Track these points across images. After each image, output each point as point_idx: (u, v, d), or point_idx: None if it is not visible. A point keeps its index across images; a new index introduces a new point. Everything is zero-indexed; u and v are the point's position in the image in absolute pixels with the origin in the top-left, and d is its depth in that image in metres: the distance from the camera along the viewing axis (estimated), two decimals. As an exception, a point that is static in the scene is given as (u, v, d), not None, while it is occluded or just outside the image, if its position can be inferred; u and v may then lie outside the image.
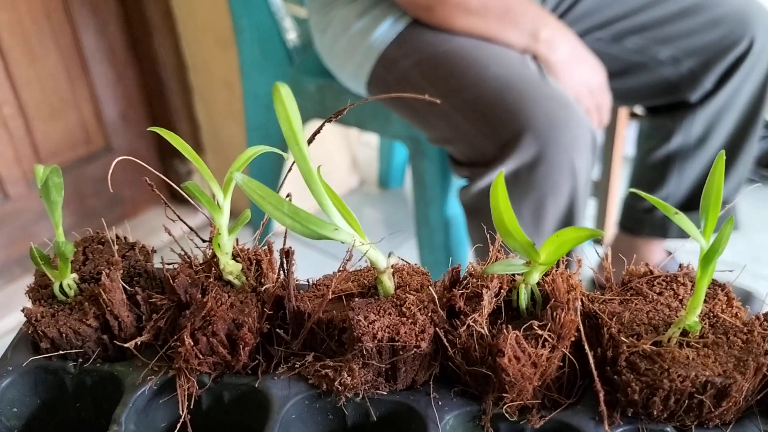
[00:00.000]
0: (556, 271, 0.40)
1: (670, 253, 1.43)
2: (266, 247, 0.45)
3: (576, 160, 0.91)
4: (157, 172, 0.46)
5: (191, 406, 0.40)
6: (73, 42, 1.59)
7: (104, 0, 1.61)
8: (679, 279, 0.43)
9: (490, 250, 0.43)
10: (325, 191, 0.37)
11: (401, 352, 0.38)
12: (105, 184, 1.76)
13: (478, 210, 0.99)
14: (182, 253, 0.45)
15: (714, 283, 0.42)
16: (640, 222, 1.32)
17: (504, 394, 0.37)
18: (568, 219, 0.95)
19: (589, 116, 1.04)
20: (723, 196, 1.31)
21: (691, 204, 1.26)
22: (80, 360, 0.43)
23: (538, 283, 0.41)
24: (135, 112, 1.76)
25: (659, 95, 1.19)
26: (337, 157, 1.90)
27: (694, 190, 1.25)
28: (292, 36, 1.34)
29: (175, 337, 0.40)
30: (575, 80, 1.01)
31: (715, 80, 1.14)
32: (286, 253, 0.42)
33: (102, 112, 1.69)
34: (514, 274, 0.41)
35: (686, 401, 0.36)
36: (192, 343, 0.39)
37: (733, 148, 1.21)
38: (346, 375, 0.38)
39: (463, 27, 1.01)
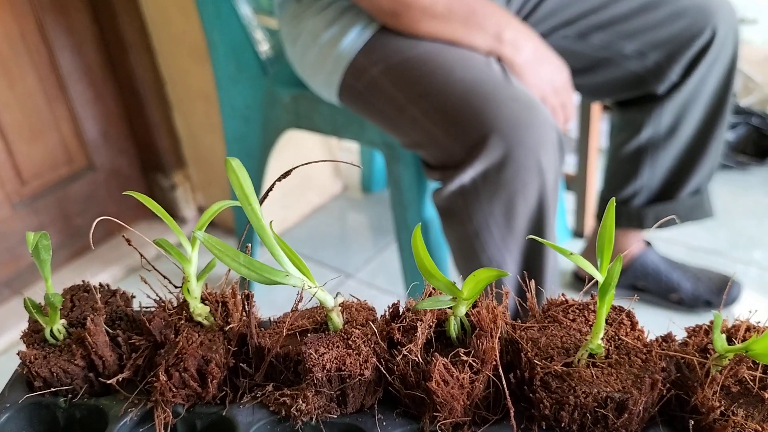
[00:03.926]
0: (482, 303, 0.46)
1: (648, 243, 1.45)
2: (231, 290, 0.51)
3: (543, 159, 0.93)
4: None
5: None
6: (49, 63, 1.60)
7: (79, 20, 1.62)
8: (590, 307, 0.50)
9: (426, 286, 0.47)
10: (277, 242, 0.42)
11: (348, 380, 0.43)
12: (89, 203, 1.77)
13: (451, 212, 1.01)
14: (157, 298, 0.51)
15: (619, 309, 0.47)
16: (617, 214, 1.34)
17: (437, 414, 0.43)
18: (539, 216, 0.97)
19: (554, 115, 1.06)
20: (697, 184, 1.33)
21: (665, 194, 1.28)
22: (69, 395, 0.49)
23: (467, 314, 0.46)
24: (115, 129, 1.77)
25: (627, 89, 1.21)
26: (319, 164, 1.91)
27: (668, 180, 1.27)
28: (264, 47, 1.36)
29: (152, 373, 0.46)
30: (540, 80, 1.03)
31: (680, 71, 1.16)
32: (247, 297, 0.48)
33: (82, 131, 1.70)
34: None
35: (591, 415, 0.41)
36: (166, 378, 0.45)
37: (703, 136, 1.23)
38: (301, 402, 0.44)
39: (428, 32, 1.02)
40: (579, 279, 1.49)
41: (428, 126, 0.98)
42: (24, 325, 1.63)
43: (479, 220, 0.97)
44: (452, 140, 0.95)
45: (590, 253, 1.45)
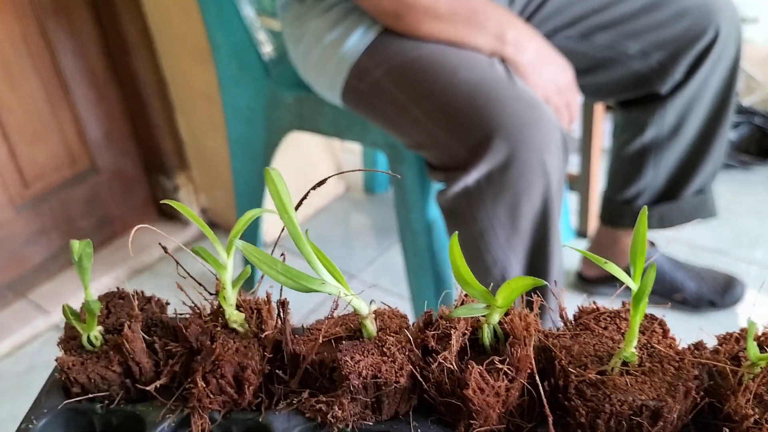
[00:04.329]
0: (514, 311, 0.46)
1: (652, 243, 1.45)
2: (266, 297, 0.51)
3: (547, 159, 0.93)
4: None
5: None
6: (52, 65, 1.60)
7: (81, 22, 1.62)
8: (621, 314, 0.50)
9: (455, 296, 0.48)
10: (313, 251, 0.43)
11: (383, 387, 0.44)
12: (93, 205, 1.77)
13: (455, 213, 1.01)
14: (192, 305, 0.52)
15: (651, 317, 0.47)
16: (620, 214, 1.34)
17: (472, 421, 0.43)
18: (543, 216, 0.97)
19: (558, 115, 1.06)
20: (701, 183, 1.32)
21: (668, 194, 1.28)
22: (106, 402, 0.49)
23: (499, 322, 0.46)
24: (118, 131, 1.77)
25: (630, 89, 1.21)
26: (322, 166, 1.91)
27: (672, 179, 1.27)
28: (267, 49, 1.36)
29: (189, 379, 0.47)
30: (543, 80, 1.03)
31: (684, 71, 1.16)
32: (282, 304, 0.49)
33: (85, 133, 1.70)
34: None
35: (626, 423, 0.41)
36: (204, 385, 0.45)
37: (707, 135, 1.23)
38: (337, 408, 0.44)
39: (431, 33, 1.02)
40: (582, 279, 1.49)
41: (431, 127, 0.98)
42: (27, 328, 1.64)
43: (484, 221, 0.97)
44: (456, 141, 0.95)
45: (593, 253, 1.45)
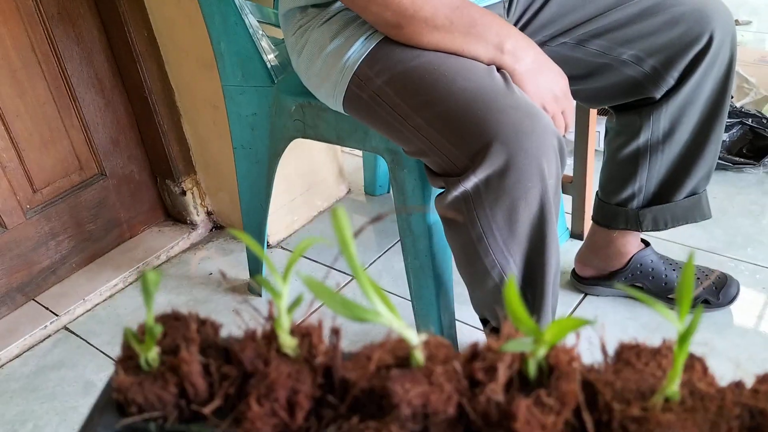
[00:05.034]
0: (558, 346, 0.47)
1: (646, 243, 1.48)
2: (318, 323, 0.52)
3: (544, 165, 0.96)
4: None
5: None
6: (59, 73, 1.63)
7: (88, 31, 1.65)
8: (661, 351, 0.49)
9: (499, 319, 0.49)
10: (371, 287, 0.45)
11: (432, 417, 0.44)
12: (101, 209, 1.80)
13: (453, 218, 1.04)
14: (246, 328, 0.53)
15: (692, 356, 0.48)
16: (614, 216, 1.37)
17: None
18: (541, 220, 1.00)
19: (554, 122, 1.09)
20: (694, 186, 1.34)
21: (661, 197, 1.31)
22: (160, 421, 0.49)
23: (545, 356, 0.47)
24: (125, 137, 1.81)
25: (625, 94, 1.24)
26: (325, 169, 1.95)
27: (666, 182, 1.30)
28: (270, 56, 1.39)
29: (243, 402, 0.47)
30: (540, 88, 1.06)
31: (677, 76, 1.18)
32: (335, 331, 0.50)
33: (93, 139, 1.73)
34: None
35: None
36: (258, 407, 0.46)
37: (700, 139, 1.26)
38: None
39: (431, 42, 1.05)
40: (577, 278, 1.52)
41: (431, 134, 1.01)
42: (36, 329, 1.69)
43: (482, 225, 1.00)
44: (455, 148, 0.98)
45: (587, 254, 1.49)
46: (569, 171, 1.69)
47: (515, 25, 1.22)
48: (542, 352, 0.47)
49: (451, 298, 1.31)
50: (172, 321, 0.56)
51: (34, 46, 1.58)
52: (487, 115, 0.96)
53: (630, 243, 1.43)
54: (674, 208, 1.31)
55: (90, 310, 1.72)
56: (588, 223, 1.67)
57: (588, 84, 1.23)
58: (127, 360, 0.52)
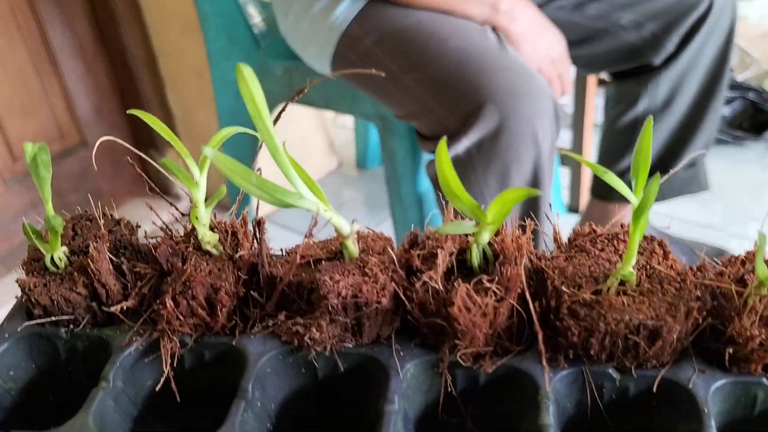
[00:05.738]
0: (505, 232, 0.44)
1: (643, 217, 1.45)
2: (242, 219, 0.48)
3: (538, 129, 0.92)
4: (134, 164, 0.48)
5: (174, 365, 0.44)
6: (40, 38, 1.58)
7: (69, -6, 1.60)
8: (619, 236, 0.47)
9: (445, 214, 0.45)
10: (290, 163, 0.40)
11: (364, 308, 0.41)
12: (82, 179, 1.76)
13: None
14: (163, 226, 0.49)
15: (651, 238, 0.46)
16: (611, 188, 1.34)
17: (458, 342, 0.40)
18: (534, 186, 0.97)
19: (551, 86, 1.05)
20: (691, 158, 1.30)
21: (660, 167, 1.28)
22: (71, 326, 0.46)
23: (489, 243, 0.43)
24: (108, 105, 1.76)
25: (623, 60, 1.20)
26: (314, 141, 1.90)
27: (664, 152, 1.27)
28: (256, 20, 1.34)
29: (158, 301, 0.44)
30: (536, 51, 1.02)
31: (677, 42, 1.15)
32: (258, 223, 0.46)
33: (74, 107, 1.68)
34: (467, 235, 0.44)
35: (622, 343, 0.39)
36: (173, 306, 0.43)
37: (699, 108, 1.23)
38: (315, 330, 0.42)
39: (423, 1, 1.01)
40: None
41: (422, 96, 0.97)
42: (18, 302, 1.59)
43: (474, 189, 0.96)
44: (447, 110, 0.94)
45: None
46: (567, 144, 1.66)
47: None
48: (486, 237, 0.42)
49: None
50: (83, 221, 0.52)
51: (15, 9, 1.52)
52: (480, 76, 0.92)
53: (627, 217, 1.39)
54: (672, 179, 1.27)
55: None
56: (585, 198, 1.64)
57: (586, 49, 1.19)
58: (32, 261, 0.48)
